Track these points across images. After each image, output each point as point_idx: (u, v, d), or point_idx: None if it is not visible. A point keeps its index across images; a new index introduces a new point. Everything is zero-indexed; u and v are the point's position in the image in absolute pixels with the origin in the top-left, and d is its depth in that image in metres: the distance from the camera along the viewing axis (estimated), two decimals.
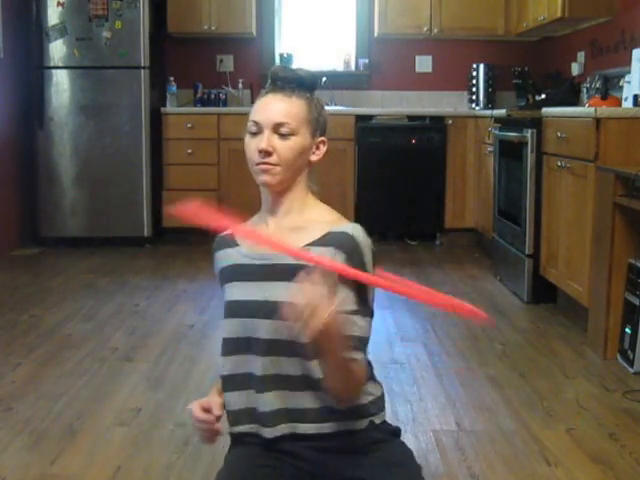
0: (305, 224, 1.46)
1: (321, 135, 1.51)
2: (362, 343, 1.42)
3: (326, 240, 1.41)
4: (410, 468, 1.48)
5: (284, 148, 1.44)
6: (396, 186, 5.58)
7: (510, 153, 4.42)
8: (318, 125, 1.49)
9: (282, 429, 1.42)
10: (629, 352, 2.99)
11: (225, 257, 1.52)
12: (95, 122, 5.44)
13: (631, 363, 2.97)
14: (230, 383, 1.49)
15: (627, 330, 3.01)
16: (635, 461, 2.24)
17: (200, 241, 5.65)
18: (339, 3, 6.27)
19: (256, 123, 1.46)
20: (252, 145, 1.47)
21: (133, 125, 5.44)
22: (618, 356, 3.09)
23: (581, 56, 5.15)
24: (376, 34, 6.03)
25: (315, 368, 1.39)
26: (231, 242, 1.53)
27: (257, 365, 1.42)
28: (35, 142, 5.44)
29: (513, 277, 4.28)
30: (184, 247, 5.50)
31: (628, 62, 4.00)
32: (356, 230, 1.43)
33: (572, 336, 3.47)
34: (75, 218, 5.52)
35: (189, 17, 5.82)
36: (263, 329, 1.41)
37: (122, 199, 5.50)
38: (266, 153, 1.44)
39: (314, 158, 1.50)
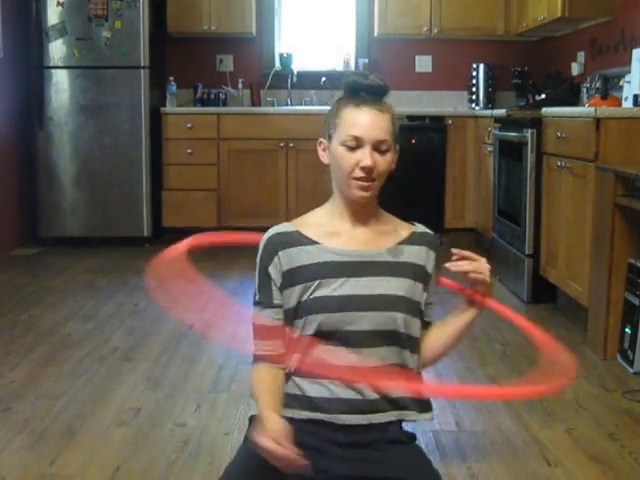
0: (387, 228, 1.57)
1: (398, 144, 1.56)
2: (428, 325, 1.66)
3: (414, 239, 1.59)
4: (430, 472, 1.50)
5: (383, 164, 1.50)
6: (396, 186, 5.54)
7: (510, 153, 4.42)
8: (397, 135, 1.55)
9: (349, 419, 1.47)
10: (629, 352, 2.99)
11: (302, 255, 1.52)
12: (95, 122, 5.44)
13: (631, 363, 2.97)
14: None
15: (627, 330, 3.00)
16: (635, 461, 2.24)
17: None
18: (339, 3, 6.27)
19: (357, 138, 1.48)
20: (351, 159, 1.49)
21: (133, 125, 5.44)
22: (618, 356, 3.09)
23: (581, 56, 5.15)
24: (376, 34, 6.03)
25: (409, 357, 1.53)
26: (302, 239, 1.54)
27: (351, 356, 1.46)
28: (35, 142, 5.44)
29: (513, 277, 4.28)
30: None
31: (628, 62, 4.00)
32: (427, 230, 1.64)
33: (572, 336, 3.47)
34: (75, 218, 5.52)
35: (189, 17, 5.82)
36: (366, 321, 1.47)
37: (122, 199, 5.50)
38: (370, 170, 1.48)
39: (394, 167, 1.56)
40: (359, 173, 1.48)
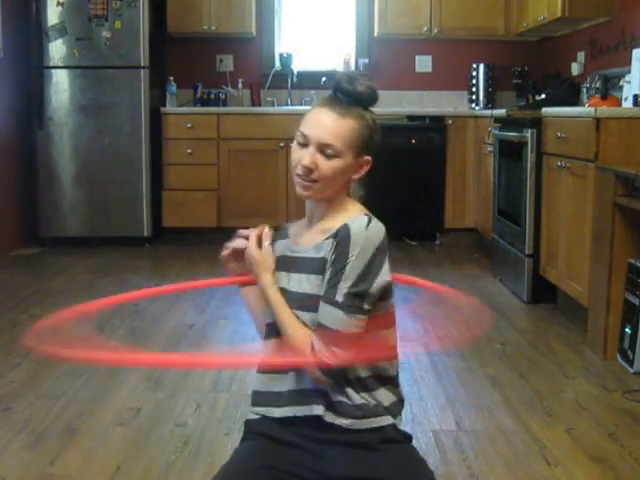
0: (332, 225, 1.49)
1: (367, 154, 1.51)
2: (322, 329, 1.42)
3: (333, 235, 1.46)
4: (424, 472, 1.49)
5: (326, 167, 1.47)
6: (396, 186, 5.57)
7: (510, 153, 4.42)
8: (365, 145, 1.50)
9: (302, 410, 1.46)
10: (629, 352, 2.99)
11: (277, 248, 1.58)
12: (95, 122, 5.44)
13: (631, 363, 2.97)
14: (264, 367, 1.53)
15: (627, 330, 3.00)
16: (635, 461, 2.24)
17: (200, 241, 5.67)
18: (339, 3, 6.27)
19: (304, 136, 1.48)
20: (297, 155, 1.49)
21: (133, 125, 5.44)
22: (618, 356, 3.09)
23: (581, 56, 5.15)
24: (376, 34, 6.03)
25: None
26: (283, 234, 1.61)
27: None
28: (35, 142, 5.44)
29: (513, 277, 4.28)
30: (184, 247, 5.50)
31: (628, 62, 4.00)
32: (357, 224, 1.44)
33: (572, 336, 3.47)
34: (75, 218, 5.52)
35: (189, 17, 5.82)
36: None
37: (122, 199, 5.50)
38: (308, 170, 1.46)
39: (355, 177, 1.53)
40: (299, 170, 1.48)
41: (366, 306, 1.42)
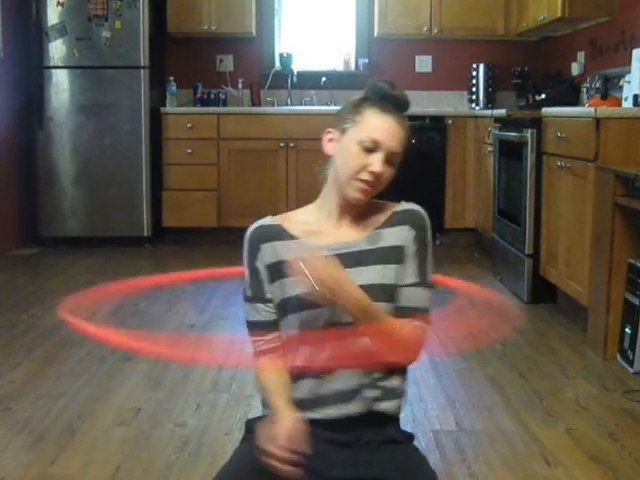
0: (369, 217, 1.53)
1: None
2: (420, 312, 1.48)
3: (394, 220, 1.51)
4: (426, 472, 1.49)
5: (388, 174, 1.50)
6: (396, 186, 5.56)
7: (510, 153, 4.42)
8: None
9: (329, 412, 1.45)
10: (629, 352, 2.99)
11: (283, 250, 1.48)
12: (95, 122, 5.44)
13: (631, 363, 2.97)
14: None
15: (627, 330, 3.00)
16: (635, 461, 2.24)
17: (200, 241, 5.67)
18: (339, 3, 6.27)
19: (375, 142, 1.47)
20: (361, 160, 1.47)
21: (133, 125, 5.44)
22: (618, 356, 3.09)
23: (581, 56, 5.15)
24: (376, 34, 6.03)
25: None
26: (283, 234, 1.51)
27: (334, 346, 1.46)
28: (35, 142, 5.44)
29: (513, 277, 4.28)
30: (184, 247, 5.50)
31: (628, 62, 4.00)
32: (419, 208, 1.55)
33: (572, 336, 3.47)
34: (75, 218, 5.52)
35: (189, 17, 5.82)
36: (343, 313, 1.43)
37: (122, 199, 5.50)
38: (377, 176, 1.47)
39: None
40: (365, 176, 1.46)
41: None
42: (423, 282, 1.49)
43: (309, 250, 1.41)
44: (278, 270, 1.47)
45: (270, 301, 1.50)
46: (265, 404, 1.51)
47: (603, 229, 3.12)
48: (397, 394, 1.50)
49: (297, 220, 1.55)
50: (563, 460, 2.25)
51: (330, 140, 1.54)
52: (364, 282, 1.42)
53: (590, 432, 2.45)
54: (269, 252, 1.50)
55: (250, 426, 1.54)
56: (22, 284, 4.43)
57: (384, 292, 1.45)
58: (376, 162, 1.46)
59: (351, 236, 1.50)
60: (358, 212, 1.53)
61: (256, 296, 1.51)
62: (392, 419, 1.51)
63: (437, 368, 3.05)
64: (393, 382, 1.48)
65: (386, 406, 1.47)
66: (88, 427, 2.47)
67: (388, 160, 1.48)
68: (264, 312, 1.51)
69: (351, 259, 1.45)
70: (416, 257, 1.49)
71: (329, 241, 1.49)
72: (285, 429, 1.35)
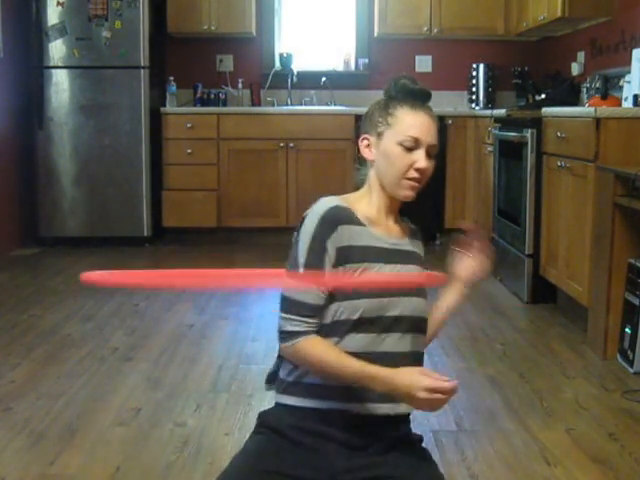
0: (401, 223, 1.62)
1: None
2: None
3: (413, 233, 1.63)
4: (435, 474, 1.50)
5: (430, 168, 1.54)
6: None
7: (510, 153, 4.42)
8: None
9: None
10: (629, 352, 2.99)
11: (355, 235, 1.49)
12: (95, 122, 5.44)
13: (631, 363, 2.97)
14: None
15: (627, 330, 3.00)
16: (635, 461, 2.24)
17: (200, 241, 5.67)
18: (339, 3, 6.27)
19: (416, 140, 1.50)
20: (407, 160, 1.51)
21: (133, 125, 5.44)
22: (618, 356, 3.09)
23: (581, 56, 5.15)
24: (376, 34, 6.03)
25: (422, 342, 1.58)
26: (354, 219, 1.51)
27: (391, 342, 1.47)
28: (35, 142, 5.44)
29: (513, 277, 4.28)
30: (184, 247, 5.50)
31: (628, 62, 4.00)
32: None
33: (572, 336, 3.47)
34: (75, 218, 5.52)
35: (189, 17, 5.82)
36: (401, 307, 1.49)
37: (122, 199, 5.50)
38: (424, 171, 1.51)
39: None
40: (413, 174, 1.50)
41: None
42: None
43: (374, 240, 1.50)
44: (346, 254, 1.46)
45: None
46: (289, 389, 1.49)
47: (603, 229, 3.12)
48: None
49: (358, 207, 1.54)
50: (563, 460, 2.25)
51: (367, 146, 1.57)
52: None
53: (590, 432, 2.45)
54: (346, 235, 1.47)
55: (263, 419, 1.53)
56: (22, 284, 4.43)
57: (425, 291, 1.57)
58: (421, 159, 1.50)
59: (398, 235, 1.58)
60: (397, 209, 1.61)
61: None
62: (406, 419, 1.52)
63: (437, 368, 3.05)
64: None
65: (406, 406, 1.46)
66: (88, 427, 2.47)
67: (428, 154, 1.52)
68: (315, 295, 1.45)
69: (405, 257, 1.55)
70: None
71: (387, 234, 1.55)
72: (411, 376, 1.37)
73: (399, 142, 1.50)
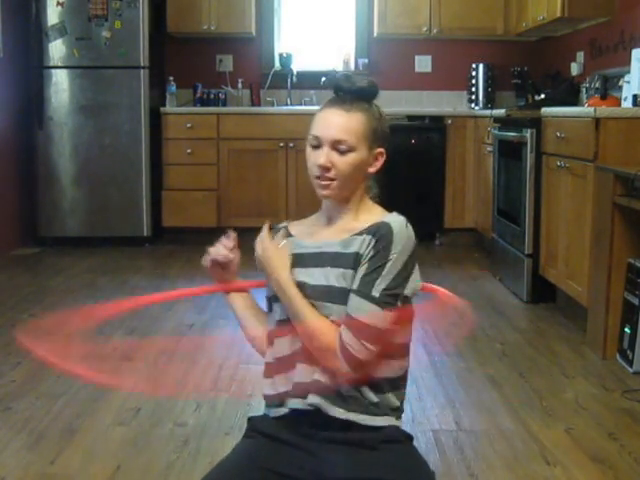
0: (355, 223, 1.52)
1: (380, 146, 1.54)
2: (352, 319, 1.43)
3: (370, 230, 1.47)
4: (425, 472, 1.50)
5: (342, 164, 1.49)
6: (395, 186, 5.57)
7: (509, 153, 4.42)
8: (376, 137, 1.53)
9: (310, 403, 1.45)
10: (628, 352, 2.99)
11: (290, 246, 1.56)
12: (95, 122, 5.44)
13: (630, 363, 2.97)
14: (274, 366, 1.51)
15: (626, 330, 3.01)
16: (634, 461, 2.25)
17: (200, 241, 5.66)
18: (339, 3, 6.27)
19: (316, 137, 1.50)
20: (312, 158, 1.52)
21: (133, 125, 5.44)
22: (617, 356, 3.09)
23: (580, 56, 5.15)
24: (375, 34, 6.03)
25: None
26: (284, 233, 1.60)
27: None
28: (35, 142, 5.44)
29: (513, 277, 4.28)
30: (184, 247, 5.50)
31: (627, 62, 4.00)
32: (398, 223, 1.47)
33: (571, 336, 3.47)
34: (75, 218, 5.52)
35: (189, 17, 5.82)
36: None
37: (122, 199, 5.50)
38: (325, 168, 1.49)
39: (372, 170, 1.55)
40: (317, 172, 1.50)
41: (399, 304, 1.44)
42: (363, 292, 1.42)
43: (295, 248, 1.52)
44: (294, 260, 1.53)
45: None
46: (267, 404, 1.54)
47: (602, 229, 3.12)
48: (392, 410, 1.50)
49: (301, 223, 1.61)
50: (562, 460, 2.25)
51: None
52: (316, 282, 1.46)
53: (589, 432, 2.45)
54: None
55: (252, 423, 1.56)
56: (22, 284, 4.43)
57: (340, 295, 1.45)
58: (319, 155, 1.49)
59: (331, 238, 1.53)
60: (345, 214, 1.55)
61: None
62: (395, 425, 1.51)
63: (436, 368, 3.05)
64: (390, 399, 1.49)
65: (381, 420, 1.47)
66: (88, 427, 2.48)
67: (336, 149, 1.49)
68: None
69: (323, 259, 1.48)
70: (366, 266, 1.44)
71: (311, 240, 1.54)
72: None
73: (308, 142, 1.52)
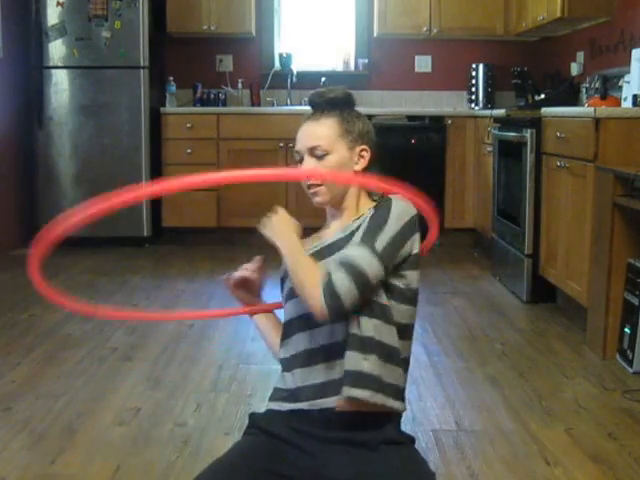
0: (354, 212, 1.59)
1: (363, 143, 1.59)
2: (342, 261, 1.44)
3: (367, 213, 1.53)
4: (425, 474, 1.50)
5: (322, 167, 1.56)
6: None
7: (509, 153, 4.42)
8: (353, 137, 1.58)
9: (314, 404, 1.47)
10: (628, 352, 2.99)
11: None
12: (95, 122, 5.44)
13: (630, 363, 2.97)
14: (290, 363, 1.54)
15: (626, 330, 3.01)
16: (634, 460, 2.25)
17: (200, 241, 5.67)
18: (339, 3, 6.27)
19: (297, 152, 1.60)
20: None
21: (133, 125, 5.44)
22: (617, 356, 3.09)
23: (580, 56, 5.15)
24: (375, 34, 6.03)
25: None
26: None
27: (306, 340, 1.51)
28: (34, 142, 5.44)
29: (512, 277, 4.28)
30: (183, 247, 5.51)
31: (627, 62, 4.00)
32: (397, 197, 1.52)
33: (571, 336, 3.48)
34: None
35: (189, 17, 5.82)
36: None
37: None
38: (308, 177, 1.58)
39: (358, 167, 1.59)
40: (305, 182, 1.59)
41: (390, 265, 1.46)
42: (365, 241, 1.45)
43: (312, 247, 1.57)
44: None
45: None
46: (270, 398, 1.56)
47: (602, 229, 3.12)
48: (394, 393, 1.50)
49: (313, 234, 1.67)
50: (562, 460, 2.25)
51: None
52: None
53: (589, 432, 2.45)
54: None
55: (253, 420, 1.56)
56: (22, 284, 4.42)
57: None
58: (303, 165, 1.58)
59: (333, 235, 1.57)
60: (344, 214, 1.59)
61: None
62: (391, 419, 1.52)
63: (436, 367, 3.05)
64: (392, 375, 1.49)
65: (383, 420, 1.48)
66: (88, 427, 2.48)
67: (314, 155, 1.56)
68: None
69: (316, 256, 1.51)
70: (365, 229, 1.48)
71: (318, 242, 1.59)
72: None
73: (295, 160, 1.61)
